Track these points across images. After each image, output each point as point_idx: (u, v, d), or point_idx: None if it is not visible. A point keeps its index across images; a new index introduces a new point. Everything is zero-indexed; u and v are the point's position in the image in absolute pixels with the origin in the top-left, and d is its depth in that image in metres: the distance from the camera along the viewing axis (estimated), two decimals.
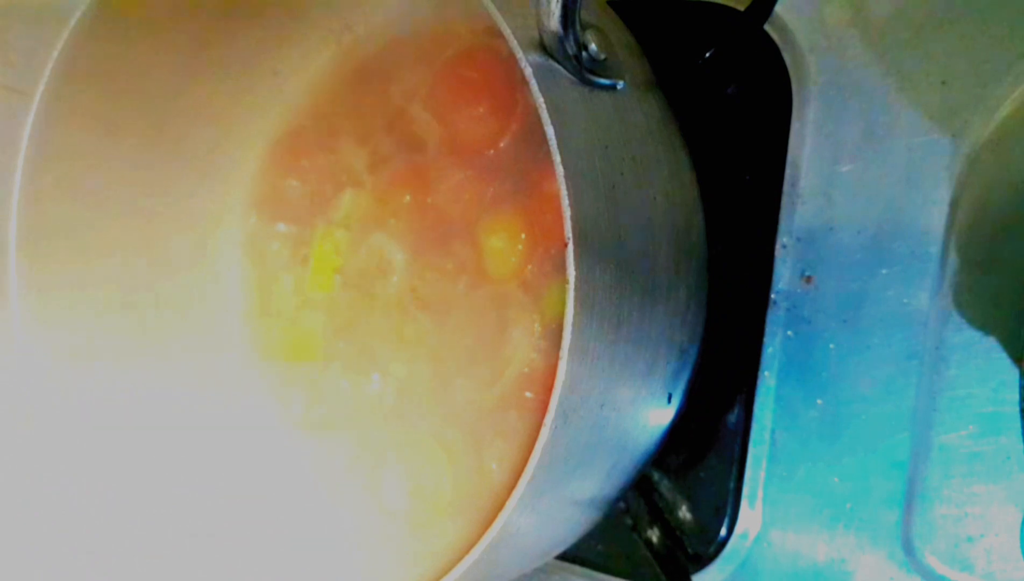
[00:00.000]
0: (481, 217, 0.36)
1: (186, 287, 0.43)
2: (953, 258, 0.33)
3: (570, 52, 0.26)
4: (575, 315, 0.24)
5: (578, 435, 0.27)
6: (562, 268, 0.24)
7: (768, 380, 0.36)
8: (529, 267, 0.34)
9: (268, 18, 0.40)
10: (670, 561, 0.36)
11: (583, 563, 0.39)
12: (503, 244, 0.35)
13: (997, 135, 0.32)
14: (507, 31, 0.25)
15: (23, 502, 0.50)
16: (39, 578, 0.49)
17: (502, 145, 0.36)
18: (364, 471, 0.41)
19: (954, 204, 0.33)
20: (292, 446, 0.43)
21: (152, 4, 0.35)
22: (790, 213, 0.36)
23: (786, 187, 0.36)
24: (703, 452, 0.37)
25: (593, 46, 0.28)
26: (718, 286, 0.34)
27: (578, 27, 0.25)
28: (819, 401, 0.35)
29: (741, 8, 0.37)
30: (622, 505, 0.38)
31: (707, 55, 0.37)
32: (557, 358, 0.24)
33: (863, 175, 0.34)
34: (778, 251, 0.36)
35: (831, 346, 0.35)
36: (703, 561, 0.36)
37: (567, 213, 0.24)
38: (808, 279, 0.35)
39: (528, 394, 0.34)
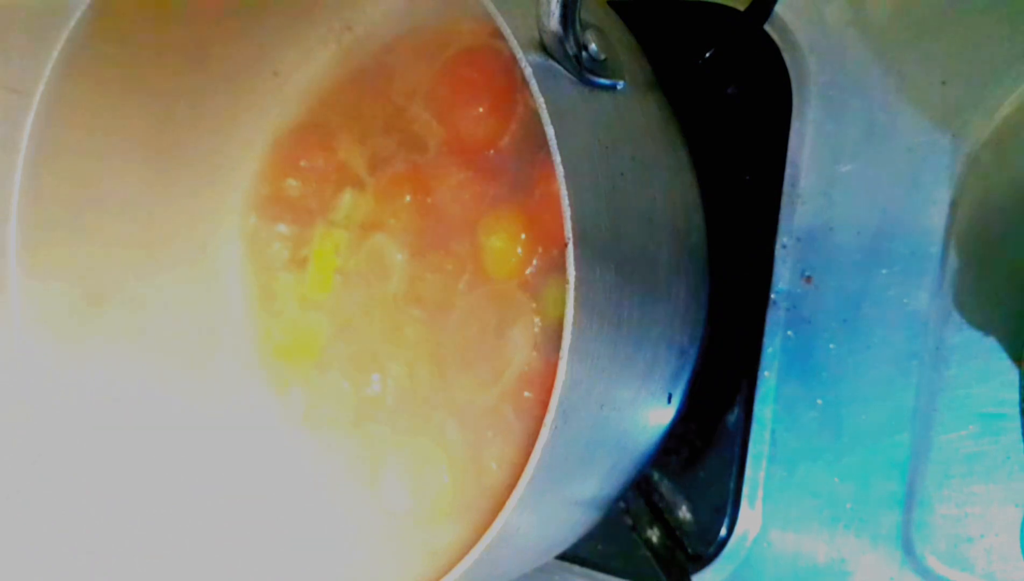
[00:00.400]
0: (481, 217, 0.36)
1: (186, 287, 0.43)
2: (953, 258, 0.33)
3: (570, 52, 0.26)
4: (575, 315, 0.24)
5: (578, 435, 0.27)
6: (562, 268, 0.24)
7: (768, 380, 0.36)
8: (529, 267, 0.34)
9: (268, 18, 0.40)
10: (670, 561, 0.36)
11: (583, 563, 0.39)
12: (503, 244, 0.35)
13: (997, 135, 0.32)
14: (507, 31, 0.25)
15: (23, 502, 0.50)
16: (39, 578, 0.49)
17: (502, 145, 0.36)
18: (364, 471, 0.41)
19: (954, 204, 0.33)
20: (292, 446, 0.43)
21: (152, 4, 0.35)
22: (790, 213, 0.36)
23: (786, 187, 0.36)
24: (703, 452, 0.37)
25: (593, 46, 0.28)
26: (718, 286, 0.34)
27: (578, 27, 0.25)
28: (819, 401, 0.35)
29: (741, 8, 0.37)
30: (622, 505, 0.38)
31: (707, 55, 0.37)
32: (557, 358, 0.24)
33: (863, 175, 0.34)
34: (778, 251, 0.36)
35: (831, 346, 0.35)
36: (703, 561, 0.36)
37: (567, 213, 0.24)
38: (808, 279, 0.35)
39: (528, 394, 0.34)
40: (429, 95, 0.39)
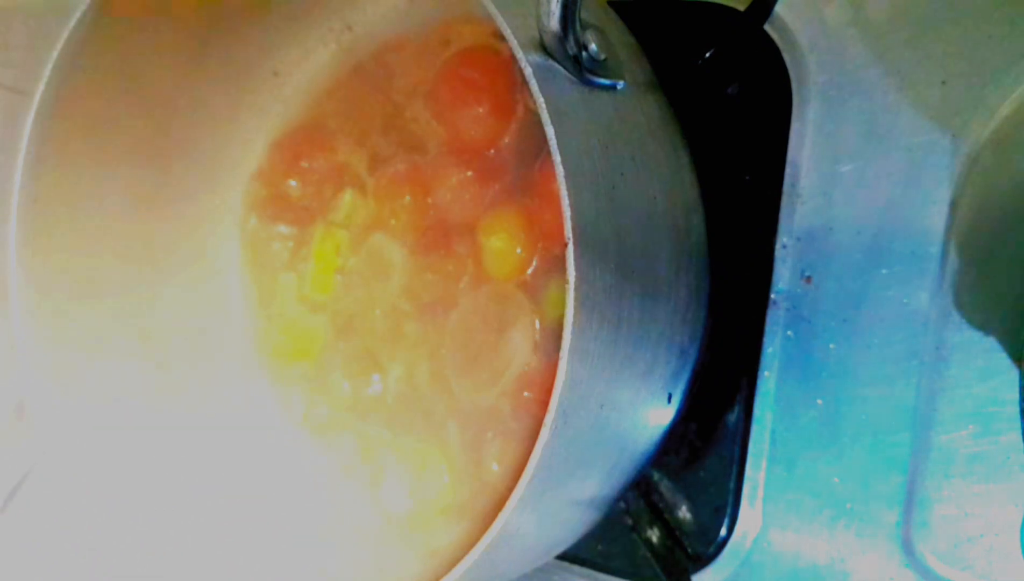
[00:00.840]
0: (481, 217, 0.36)
1: (186, 287, 0.43)
2: (953, 258, 0.33)
3: (570, 52, 0.26)
4: (575, 315, 0.24)
5: (578, 435, 0.27)
6: (562, 268, 0.24)
7: (768, 380, 0.36)
8: (529, 267, 0.34)
9: (268, 18, 0.40)
10: (670, 561, 0.36)
11: (583, 563, 0.39)
12: (503, 244, 0.35)
13: (997, 135, 0.32)
14: (507, 31, 0.25)
15: (24, 502, 0.50)
16: (40, 577, 0.49)
17: (502, 145, 0.36)
18: (364, 471, 0.41)
19: (954, 204, 0.33)
20: (292, 446, 0.43)
21: (152, 4, 0.35)
22: (790, 213, 0.36)
23: (786, 187, 0.36)
24: (703, 452, 0.37)
25: (593, 46, 0.28)
26: (718, 286, 0.34)
27: (578, 27, 0.25)
28: (819, 401, 0.35)
29: (741, 8, 0.37)
30: (622, 505, 0.38)
31: (707, 55, 0.37)
32: (557, 358, 0.24)
33: (863, 175, 0.34)
34: (778, 251, 0.36)
35: (831, 346, 0.35)
36: (703, 561, 0.36)
37: (567, 213, 0.24)
38: (808, 279, 0.35)
39: (528, 394, 0.34)
40: (429, 95, 0.39)
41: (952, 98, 0.33)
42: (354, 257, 0.41)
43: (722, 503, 0.36)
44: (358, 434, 0.41)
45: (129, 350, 0.40)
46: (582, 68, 0.27)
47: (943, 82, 0.33)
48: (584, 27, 0.26)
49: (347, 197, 0.41)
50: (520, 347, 0.34)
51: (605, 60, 0.28)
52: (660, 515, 0.37)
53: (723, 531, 0.36)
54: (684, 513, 0.37)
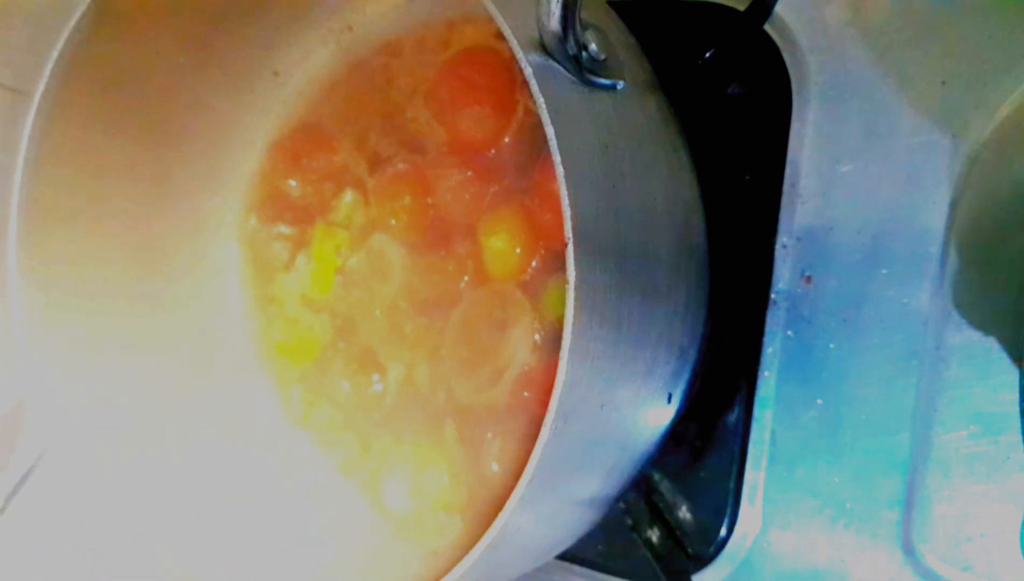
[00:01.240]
0: (481, 217, 0.36)
1: (186, 287, 0.43)
2: (953, 258, 0.33)
3: (570, 52, 0.26)
4: (575, 315, 0.24)
5: (578, 435, 0.27)
6: (562, 268, 0.24)
7: (768, 380, 0.36)
8: (529, 267, 0.34)
9: (268, 18, 0.40)
10: (670, 561, 0.36)
11: (583, 563, 0.39)
12: (503, 244, 0.35)
13: (997, 135, 0.32)
14: (507, 31, 0.25)
15: (24, 502, 0.50)
16: (40, 577, 0.49)
17: (502, 145, 0.36)
18: (364, 471, 0.41)
19: (954, 204, 0.33)
20: (292, 446, 0.43)
21: (152, 4, 0.35)
22: (790, 213, 0.36)
23: (786, 187, 0.36)
24: (703, 452, 0.37)
25: (593, 46, 0.28)
26: (718, 286, 0.34)
27: (578, 27, 0.25)
28: (819, 401, 0.35)
29: (741, 8, 0.37)
30: (622, 505, 0.38)
31: (707, 55, 0.37)
32: (557, 358, 0.24)
33: (863, 175, 0.34)
34: (778, 251, 0.36)
35: (831, 346, 0.35)
36: (703, 561, 0.36)
37: (567, 213, 0.24)
38: (808, 279, 0.35)
39: (528, 394, 0.34)
40: (429, 95, 0.39)
41: (952, 98, 0.33)
42: (354, 257, 0.41)
43: (722, 503, 0.36)
44: (358, 434, 0.41)
45: (129, 350, 0.40)
46: (582, 68, 0.27)
47: (943, 82, 0.33)
48: (584, 27, 0.26)
49: (347, 197, 0.41)
50: (520, 347, 0.34)
51: (605, 60, 0.28)
52: (660, 515, 0.37)
53: (723, 531, 0.36)
54: (684, 513, 0.37)
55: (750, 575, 0.36)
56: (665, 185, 0.31)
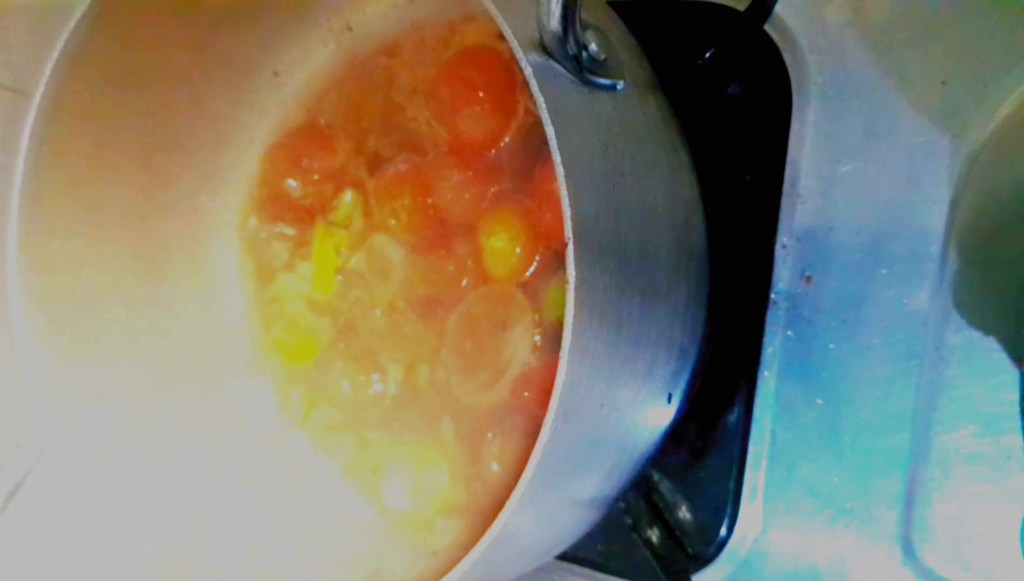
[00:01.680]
0: (481, 217, 0.36)
1: (186, 287, 0.43)
2: (953, 258, 0.33)
3: (570, 52, 0.26)
4: (575, 315, 0.24)
5: (578, 435, 0.27)
6: (562, 268, 0.24)
7: (768, 380, 0.36)
8: (529, 267, 0.34)
9: (268, 18, 0.40)
10: (670, 561, 0.36)
11: (583, 563, 0.39)
12: (503, 244, 0.35)
13: (997, 135, 0.32)
14: (507, 31, 0.25)
15: (24, 502, 0.50)
16: (40, 577, 0.49)
17: (502, 145, 0.36)
18: (364, 471, 0.41)
19: (954, 204, 0.33)
20: (292, 446, 0.43)
21: (152, 4, 0.35)
22: (790, 213, 0.36)
23: (786, 187, 0.36)
24: (703, 452, 0.37)
25: (593, 46, 0.28)
26: (718, 286, 0.34)
27: (578, 27, 0.25)
28: (819, 401, 0.35)
29: (741, 8, 0.37)
30: (622, 505, 0.38)
31: (707, 55, 0.37)
32: (557, 358, 0.24)
33: (863, 175, 0.34)
34: (778, 251, 0.36)
35: (831, 346, 0.35)
36: (703, 561, 0.36)
37: (567, 213, 0.24)
38: (808, 279, 0.35)
39: (528, 394, 0.34)
40: (429, 95, 0.39)
41: (952, 98, 0.33)
42: (354, 257, 0.41)
43: (722, 503, 0.36)
44: (358, 434, 0.41)
45: (129, 350, 0.40)
46: (582, 68, 0.27)
47: (943, 82, 0.33)
48: (584, 27, 0.26)
49: (347, 197, 0.41)
50: (520, 347, 0.34)
51: (605, 60, 0.28)
52: (660, 515, 0.37)
53: (723, 531, 0.36)
54: (684, 513, 0.37)
55: (750, 575, 0.36)
56: (665, 185, 0.31)
